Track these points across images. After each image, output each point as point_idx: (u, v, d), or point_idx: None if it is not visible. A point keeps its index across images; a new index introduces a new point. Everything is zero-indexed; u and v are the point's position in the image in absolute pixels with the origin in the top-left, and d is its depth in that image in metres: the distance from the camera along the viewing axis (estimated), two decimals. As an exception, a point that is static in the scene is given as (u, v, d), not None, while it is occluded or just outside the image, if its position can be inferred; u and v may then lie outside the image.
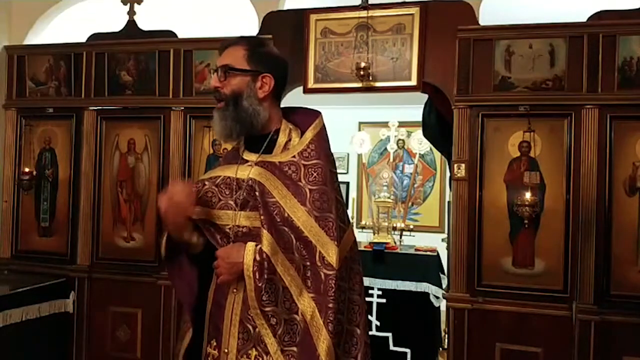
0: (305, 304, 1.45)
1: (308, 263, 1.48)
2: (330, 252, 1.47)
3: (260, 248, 1.47)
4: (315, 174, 1.55)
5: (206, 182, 1.64)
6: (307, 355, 1.42)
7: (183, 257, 1.66)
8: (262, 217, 1.50)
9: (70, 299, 3.64)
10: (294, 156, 1.58)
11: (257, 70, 1.59)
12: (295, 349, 1.45)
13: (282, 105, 1.73)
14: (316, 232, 1.49)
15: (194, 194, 1.55)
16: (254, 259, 1.45)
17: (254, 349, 1.49)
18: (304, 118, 1.67)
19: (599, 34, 2.92)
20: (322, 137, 1.64)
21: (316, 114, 1.68)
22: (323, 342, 1.41)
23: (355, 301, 1.55)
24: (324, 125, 1.66)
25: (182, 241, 1.60)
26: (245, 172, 1.59)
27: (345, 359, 1.51)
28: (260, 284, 1.43)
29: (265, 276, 1.44)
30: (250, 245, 1.48)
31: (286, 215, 1.50)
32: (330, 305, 1.43)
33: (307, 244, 1.49)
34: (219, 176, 1.64)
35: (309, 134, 1.62)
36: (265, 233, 1.48)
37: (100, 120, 3.72)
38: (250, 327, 1.50)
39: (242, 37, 1.65)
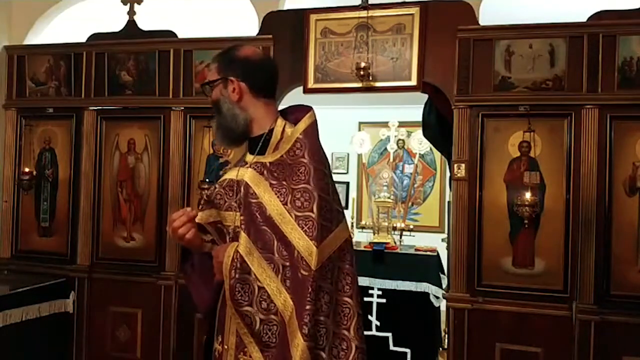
0: (285, 304, 1.44)
1: (288, 263, 1.46)
2: (309, 253, 1.43)
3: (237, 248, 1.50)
4: (298, 173, 1.53)
5: (216, 185, 1.68)
6: (282, 357, 1.42)
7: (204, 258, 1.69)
8: (241, 217, 1.54)
9: (70, 299, 3.64)
10: (282, 155, 1.59)
11: (225, 77, 1.66)
12: (272, 349, 1.45)
13: (281, 106, 1.75)
14: (296, 232, 1.47)
15: (192, 217, 1.61)
16: (232, 259, 1.47)
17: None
18: (297, 114, 1.67)
19: (599, 34, 2.92)
20: (310, 133, 1.60)
21: (307, 109, 1.67)
22: (297, 347, 1.39)
23: (344, 303, 1.51)
24: (315, 120, 1.64)
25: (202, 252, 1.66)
26: (243, 174, 1.62)
27: None
28: (231, 281, 1.46)
29: (237, 275, 1.45)
30: (232, 245, 1.51)
31: (268, 214, 1.51)
32: (308, 307, 1.40)
33: (287, 244, 1.47)
34: (226, 179, 1.67)
35: (298, 129, 1.60)
36: (241, 233, 1.51)
37: (100, 120, 3.72)
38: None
39: (216, 55, 1.74)
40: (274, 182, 1.55)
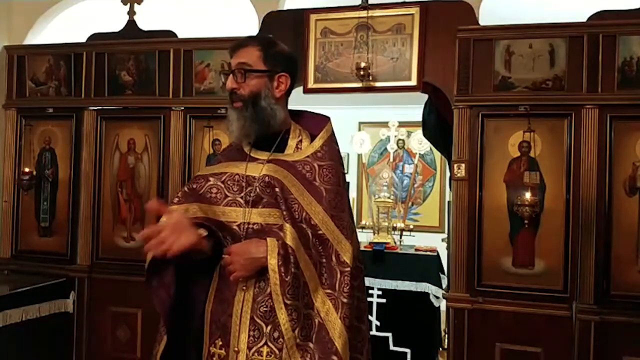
0: (320, 301, 1.48)
1: (324, 260, 1.51)
2: (345, 250, 1.51)
3: (284, 242, 1.47)
4: (330, 175, 1.59)
5: (210, 178, 1.62)
6: (324, 350, 1.44)
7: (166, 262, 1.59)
8: (284, 213, 1.51)
9: (70, 299, 3.64)
10: (307, 156, 1.61)
11: (274, 70, 1.61)
12: (310, 344, 1.46)
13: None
14: (332, 230, 1.53)
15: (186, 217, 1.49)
16: (278, 253, 1.46)
17: (265, 346, 1.49)
18: (314, 122, 1.70)
19: (599, 34, 2.92)
20: (333, 140, 1.69)
21: (326, 119, 1.72)
22: (340, 337, 1.44)
23: (360, 299, 1.58)
24: (333, 130, 1.70)
25: (200, 252, 1.53)
26: (257, 170, 1.59)
27: (352, 354, 1.52)
28: (287, 278, 1.44)
29: (292, 270, 1.44)
30: (271, 240, 1.48)
31: (304, 213, 1.53)
32: (345, 301, 1.47)
33: (323, 241, 1.52)
34: (225, 173, 1.62)
35: (322, 137, 1.66)
36: (289, 227, 1.48)
37: (100, 120, 3.72)
38: (263, 324, 1.49)
39: (253, 38, 1.67)
40: (303, 181, 1.57)
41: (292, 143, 1.65)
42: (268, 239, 1.49)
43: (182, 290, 1.62)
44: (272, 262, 1.45)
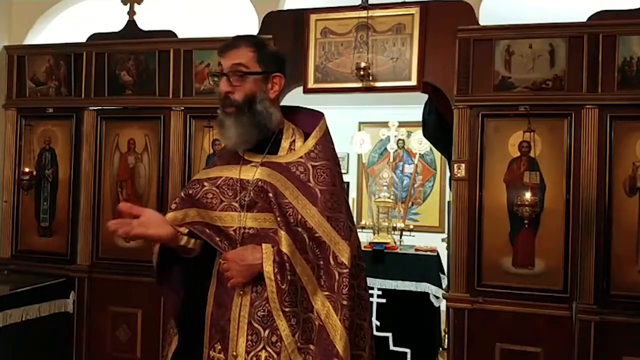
0: (319, 303, 1.47)
1: (321, 262, 1.50)
2: (343, 251, 1.50)
3: (279, 249, 1.46)
4: (324, 175, 1.56)
5: (205, 183, 1.60)
6: (326, 352, 1.44)
7: (173, 261, 1.63)
8: (278, 218, 1.49)
9: (70, 299, 3.64)
10: (300, 157, 1.58)
11: (268, 71, 1.57)
12: (312, 347, 1.45)
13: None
14: (328, 231, 1.51)
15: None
16: (274, 260, 1.45)
17: (263, 351, 1.48)
18: (307, 119, 1.67)
19: (599, 34, 2.92)
20: (327, 138, 1.65)
21: (320, 116, 1.68)
22: (341, 339, 1.44)
23: (362, 297, 1.59)
24: (327, 127, 1.67)
25: (178, 247, 1.56)
26: (250, 173, 1.56)
27: (355, 352, 1.53)
28: (283, 286, 1.43)
29: (289, 277, 1.43)
30: (267, 246, 1.48)
31: (299, 216, 1.51)
32: (345, 302, 1.46)
33: (320, 244, 1.50)
34: (220, 177, 1.60)
35: (315, 136, 1.62)
36: (283, 234, 1.47)
37: (100, 120, 3.72)
38: (260, 329, 1.49)
39: (242, 38, 1.60)
40: (297, 183, 1.54)
41: (285, 144, 1.61)
42: (263, 245, 1.48)
43: (194, 292, 1.64)
44: (268, 269, 1.44)
